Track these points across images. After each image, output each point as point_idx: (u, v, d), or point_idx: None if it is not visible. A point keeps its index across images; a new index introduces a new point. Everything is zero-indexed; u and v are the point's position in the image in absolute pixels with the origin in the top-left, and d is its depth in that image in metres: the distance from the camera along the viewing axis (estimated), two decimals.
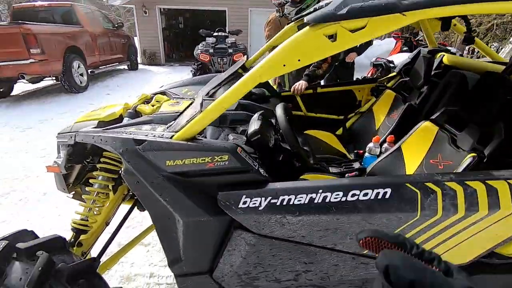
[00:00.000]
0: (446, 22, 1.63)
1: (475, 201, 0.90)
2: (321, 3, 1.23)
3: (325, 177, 1.53)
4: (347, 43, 0.85)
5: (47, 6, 6.60)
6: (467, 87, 1.41)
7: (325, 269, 1.09)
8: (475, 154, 1.11)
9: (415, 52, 2.20)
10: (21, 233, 1.19)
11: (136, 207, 1.72)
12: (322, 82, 3.28)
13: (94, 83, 7.11)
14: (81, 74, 6.34)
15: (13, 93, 6.34)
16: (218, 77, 2.00)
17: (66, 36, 5.95)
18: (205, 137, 1.37)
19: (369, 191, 0.96)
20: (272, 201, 1.02)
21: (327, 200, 0.98)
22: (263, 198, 1.02)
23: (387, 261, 0.31)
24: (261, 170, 1.08)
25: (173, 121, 1.36)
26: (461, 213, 0.91)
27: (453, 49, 4.38)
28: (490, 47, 6.46)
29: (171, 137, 1.07)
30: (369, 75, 5.18)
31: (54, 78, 6.05)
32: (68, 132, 1.43)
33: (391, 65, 4.50)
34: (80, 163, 1.53)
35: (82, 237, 1.47)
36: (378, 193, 0.95)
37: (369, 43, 4.30)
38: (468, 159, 1.12)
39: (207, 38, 6.12)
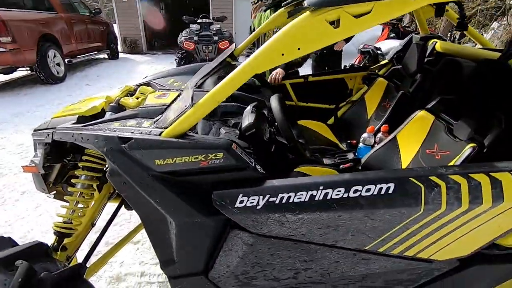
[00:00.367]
0: (440, 8, 1.58)
1: (479, 194, 0.88)
2: None
3: (320, 169, 1.49)
4: (351, 30, 0.78)
5: None
6: (462, 75, 1.39)
7: (326, 266, 1.06)
8: (475, 145, 1.09)
9: (407, 39, 2.17)
10: None
11: (123, 205, 1.63)
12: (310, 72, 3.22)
13: (72, 73, 6.75)
14: (58, 64, 5.99)
15: None
16: (207, 67, 1.89)
17: (39, 23, 5.56)
18: (196, 133, 1.29)
19: (372, 187, 0.92)
20: (271, 199, 0.96)
21: (328, 197, 0.94)
22: (261, 197, 0.97)
23: None
24: (258, 167, 1.02)
25: (161, 115, 1.27)
26: (465, 206, 0.89)
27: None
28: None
29: (159, 134, 0.99)
30: (356, 62, 5.16)
31: (28, 68, 5.68)
32: (45, 129, 1.32)
33: (379, 52, 4.48)
34: (60, 162, 1.42)
35: (66, 240, 1.38)
36: (381, 188, 0.92)
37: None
38: (468, 150, 1.10)
39: (190, 25, 5.89)
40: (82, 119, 1.34)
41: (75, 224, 1.37)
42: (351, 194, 0.93)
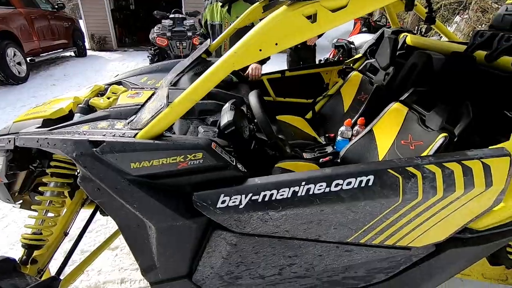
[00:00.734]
0: (409, 3, 1.63)
1: (452, 182, 0.92)
2: None
3: (301, 164, 1.50)
4: (327, 24, 0.78)
5: None
6: (432, 67, 1.44)
7: (310, 261, 1.07)
8: (446, 134, 1.14)
9: (379, 33, 2.22)
10: None
11: (98, 211, 1.55)
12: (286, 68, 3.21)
13: (36, 72, 6.32)
14: (19, 63, 5.57)
15: None
16: (181, 64, 1.84)
17: None
18: (174, 133, 1.24)
19: (353, 180, 0.93)
20: (253, 197, 0.95)
21: (311, 192, 0.94)
22: (243, 196, 0.95)
23: None
24: (239, 166, 1.00)
25: (134, 115, 1.21)
26: (440, 194, 0.93)
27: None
28: None
29: (134, 136, 0.94)
30: (331, 56, 5.25)
31: None
32: (6, 134, 1.21)
33: (352, 46, 4.58)
34: (25, 169, 1.31)
35: (36, 252, 1.29)
36: (361, 181, 0.93)
37: None
38: (440, 139, 1.15)
39: (163, 21, 5.70)
40: (48, 123, 1.25)
41: (46, 234, 1.28)
42: (333, 188, 0.94)
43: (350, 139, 1.75)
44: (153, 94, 1.50)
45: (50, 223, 1.29)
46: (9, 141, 1.11)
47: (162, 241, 1.03)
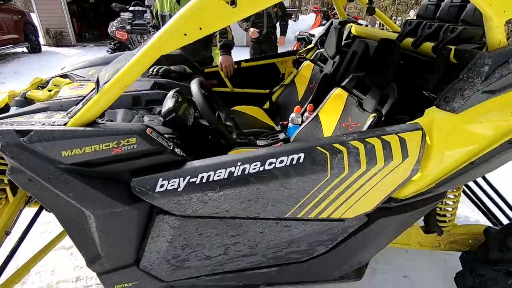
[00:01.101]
0: None
1: (373, 156, 1.01)
2: None
3: (254, 151, 1.55)
4: (248, 9, 0.82)
5: None
6: (369, 54, 1.54)
7: (253, 238, 1.12)
8: (376, 114, 1.24)
9: (327, 24, 2.31)
10: None
11: (44, 209, 1.50)
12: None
13: None
14: None
15: None
16: (128, 54, 1.80)
17: None
18: (112, 121, 1.23)
19: (285, 158, 0.99)
20: (191, 180, 0.98)
21: (246, 171, 0.98)
22: (181, 179, 0.97)
23: None
24: (177, 150, 1.02)
25: (75, 106, 1.19)
26: (363, 167, 1.01)
27: (364, 22, 4.77)
28: (395, 20, 7.27)
29: (64, 124, 0.93)
30: (294, 49, 5.36)
31: None
32: None
33: (313, 38, 4.70)
34: None
35: None
36: (293, 159, 0.99)
37: (287, 23, 4.42)
38: (370, 119, 1.24)
39: (122, 14, 5.49)
40: None
41: None
42: (267, 167, 0.99)
43: (300, 125, 1.82)
44: None
45: None
46: None
47: (103, 229, 1.03)
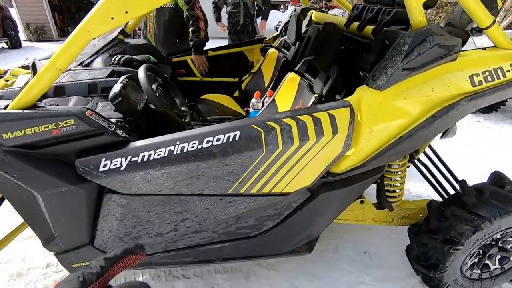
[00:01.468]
0: None
1: (305, 132, 1.08)
2: None
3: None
4: None
5: None
6: (318, 38, 1.60)
7: (200, 214, 1.19)
8: (317, 95, 1.30)
9: (291, 11, 2.35)
10: None
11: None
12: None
13: None
14: None
15: None
16: (91, 45, 1.82)
17: None
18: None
19: (221, 136, 1.05)
20: (133, 159, 1.03)
21: (185, 150, 1.04)
22: (123, 158, 1.03)
23: None
24: (120, 132, 1.07)
25: None
26: (296, 143, 1.08)
27: (339, 10, 4.80)
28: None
29: (5, 108, 0.97)
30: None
31: None
32: None
33: None
34: None
35: None
36: (229, 137, 1.05)
37: (269, 8, 4.42)
38: (312, 100, 1.31)
39: None
40: None
41: None
42: (204, 145, 1.05)
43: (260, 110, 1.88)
44: None
45: None
46: None
47: (52, 209, 1.09)
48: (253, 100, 1.89)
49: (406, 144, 1.16)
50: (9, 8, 8.40)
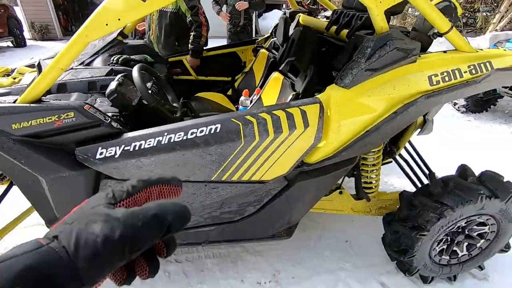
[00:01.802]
0: None
1: (279, 125, 1.21)
2: None
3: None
4: (155, 3, 1.00)
5: None
6: (300, 40, 1.72)
7: (186, 199, 1.32)
8: (295, 92, 1.43)
9: (282, 14, 2.48)
10: None
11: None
12: None
13: None
14: None
15: None
16: (91, 45, 1.96)
17: None
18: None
19: (204, 128, 1.18)
20: (126, 148, 1.17)
21: (172, 140, 1.18)
22: (117, 147, 1.17)
23: None
24: (114, 124, 1.20)
25: None
26: (271, 136, 1.21)
27: (328, 13, 4.88)
28: None
29: (14, 102, 1.11)
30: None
31: None
32: None
33: None
34: None
35: None
36: (211, 129, 1.19)
37: (262, 4, 4.51)
38: (289, 97, 1.44)
39: None
40: None
41: None
42: (189, 136, 1.18)
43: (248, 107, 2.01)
44: None
45: None
46: None
47: (55, 192, 1.22)
48: (242, 98, 2.02)
49: (372, 138, 1.29)
50: (14, 7, 8.58)
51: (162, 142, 1.18)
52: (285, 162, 1.29)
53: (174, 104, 1.64)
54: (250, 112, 1.21)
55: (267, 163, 1.28)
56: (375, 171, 1.70)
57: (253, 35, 4.32)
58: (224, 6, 4.24)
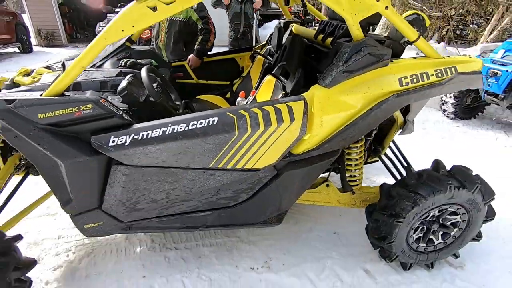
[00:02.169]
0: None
1: (269, 119, 1.38)
2: None
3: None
4: (164, 13, 1.19)
5: None
6: (291, 46, 1.92)
7: (186, 184, 1.49)
8: (284, 92, 1.62)
9: (277, 24, 2.69)
10: None
11: (30, 173, 1.86)
12: None
13: None
14: None
15: None
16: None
17: None
18: None
19: (203, 120, 1.36)
20: (135, 137, 1.34)
21: (175, 130, 1.35)
22: (127, 136, 1.34)
23: None
24: (125, 116, 1.38)
25: None
26: (262, 128, 1.38)
27: None
28: None
29: (40, 95, 1.29)
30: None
31: None
32: None
33: None
34: None
35: None
36: (209, 121, 1.36)
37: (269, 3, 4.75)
38: (279, 97, 1.62)
39: (108, 15, 5.83)
40: None
41: None
42: (190, 127, 1.36)
43: None
44: None
45: None
46: None
47: (71, 176, 1.39)
48: (238, 99, 2.20)
49: (351, 132, 1.47)
50: (22, 15, 8.88)
51: (167, 132, 1.35)
52: (274, 152, 1.47)
53: (177, 102, 1.82)
54: (243, 107, 1.39)
55: (258, 153, 1.45)
56: (358, 165, 1.87)
57: (253, 43, 4.54)
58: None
